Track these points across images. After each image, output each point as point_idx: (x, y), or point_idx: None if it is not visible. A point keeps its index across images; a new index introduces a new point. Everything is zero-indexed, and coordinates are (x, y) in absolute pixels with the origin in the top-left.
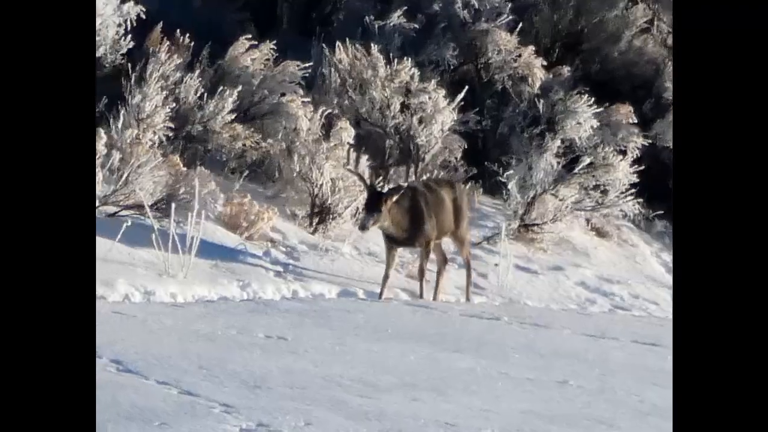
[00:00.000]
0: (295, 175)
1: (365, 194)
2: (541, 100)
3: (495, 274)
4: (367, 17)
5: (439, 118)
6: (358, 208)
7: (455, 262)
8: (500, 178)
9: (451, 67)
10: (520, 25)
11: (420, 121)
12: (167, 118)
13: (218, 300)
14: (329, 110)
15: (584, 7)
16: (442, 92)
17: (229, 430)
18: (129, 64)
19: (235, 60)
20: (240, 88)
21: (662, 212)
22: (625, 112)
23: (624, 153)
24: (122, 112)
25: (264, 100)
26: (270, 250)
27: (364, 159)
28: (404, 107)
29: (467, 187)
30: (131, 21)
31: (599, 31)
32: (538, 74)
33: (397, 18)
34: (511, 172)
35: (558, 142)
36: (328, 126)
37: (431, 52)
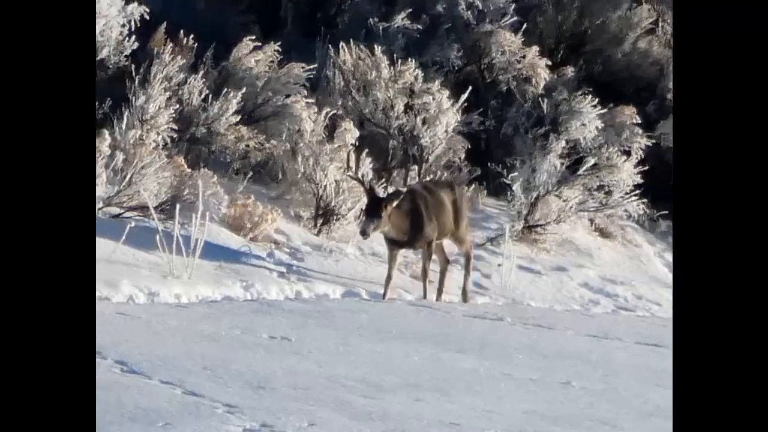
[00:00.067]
0: (299, 176)
1: (365, 199)
2: (545, 101)
3: (498, 275)
4: (371, 18)
5: (442, 119)
6: (361, 209)
7: (458, 263)
8: (504, 180)
9: (455, 68)
10: (524, 25)
11: (424, 122)
12: (171, 119)
13: (222, 301)
14: (333, 111)
15: (588, 8)
16: (446, 93)
17: (233, 430)
18: (133, 66)
19: (239, 61)
20: (244, 89)
21: (666, 213)
22: (629, 113)
23: (628, 154)
24: (126, 113)
25: (268, 102)
26: (274, 251)
27: (368, 161)
28: (408, 108)
29: (471, 188)
30: (135, 22)
31: (603, 32)
32: (542, 75)
33: (401, 19)
34: (516, 173)
35: (562, 143)
36: (332, 127)
37: (435, 53)
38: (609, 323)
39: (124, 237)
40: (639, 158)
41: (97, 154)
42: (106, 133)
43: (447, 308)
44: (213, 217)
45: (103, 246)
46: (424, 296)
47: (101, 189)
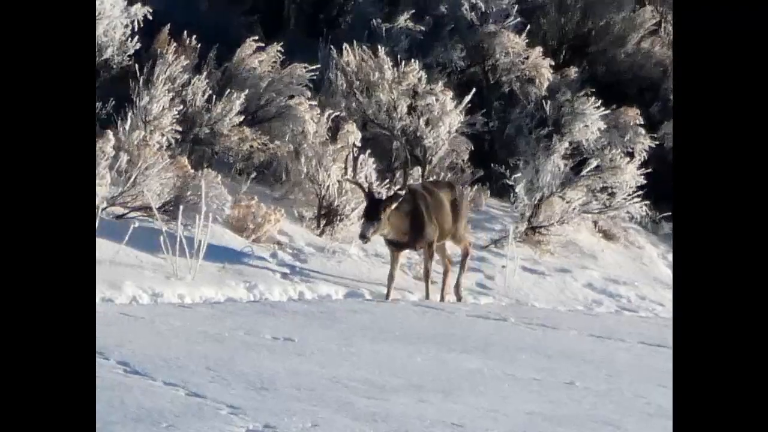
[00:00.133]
0: (302, 177)
1: (365, 202)
2: (549, 102)
3: (502, 276)
4: (374, 19)
5: (446, 120)
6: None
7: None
8: (507, 181)
9: (459, 69)
10: (528, 27)
11: (427, 123)
12: (175, 120)
13: (225, 301)
14: (336, 113)
15: (591, 9)
16: (450, 94)
17: (236, 431)
18: (136, 66)
19: (243, 62)
20: (247, 90)
21: (669, 214)
22: (632, 114)
23: (631, 155)
24: (129, 113)
25: (271, 103)
26: (277, 252)
27: (371, 162)
28: (411, 109)
29: (474, 189)
30: (138, 22)
31: (606, 33)
32: (546, 76)
33: (404, 20)
34: (519, 175)
35: (565, 144)
36: (335, 128)
37: (438, 54)
38: (612, 324)
39: (127, 238)
40: (642, 160)
41: (101, 155)
42: (109, 133)
43: (450, 309)
44: (216, 217)
45: (106, 247)
46: (427, 297)
47: (105, 189)
